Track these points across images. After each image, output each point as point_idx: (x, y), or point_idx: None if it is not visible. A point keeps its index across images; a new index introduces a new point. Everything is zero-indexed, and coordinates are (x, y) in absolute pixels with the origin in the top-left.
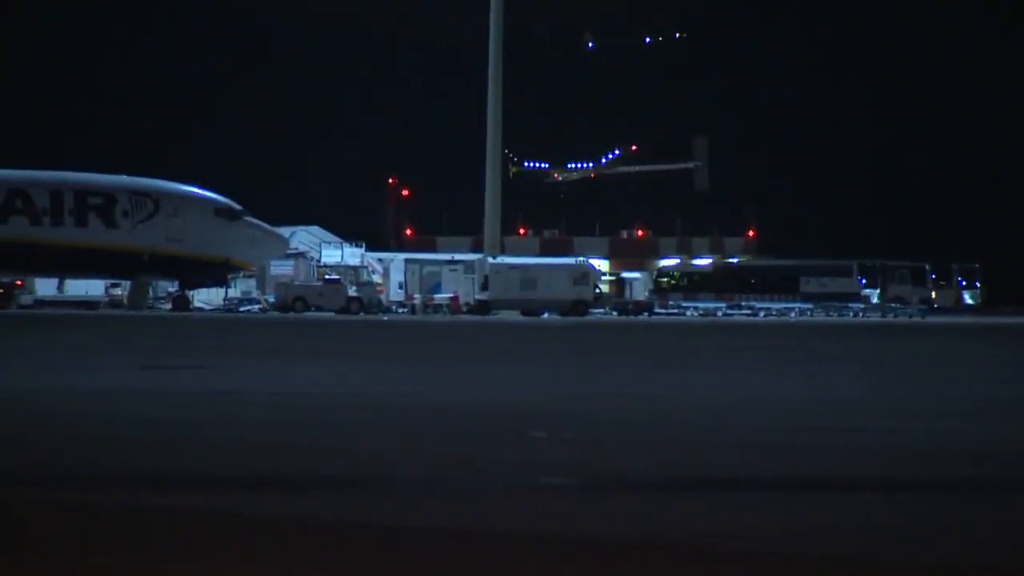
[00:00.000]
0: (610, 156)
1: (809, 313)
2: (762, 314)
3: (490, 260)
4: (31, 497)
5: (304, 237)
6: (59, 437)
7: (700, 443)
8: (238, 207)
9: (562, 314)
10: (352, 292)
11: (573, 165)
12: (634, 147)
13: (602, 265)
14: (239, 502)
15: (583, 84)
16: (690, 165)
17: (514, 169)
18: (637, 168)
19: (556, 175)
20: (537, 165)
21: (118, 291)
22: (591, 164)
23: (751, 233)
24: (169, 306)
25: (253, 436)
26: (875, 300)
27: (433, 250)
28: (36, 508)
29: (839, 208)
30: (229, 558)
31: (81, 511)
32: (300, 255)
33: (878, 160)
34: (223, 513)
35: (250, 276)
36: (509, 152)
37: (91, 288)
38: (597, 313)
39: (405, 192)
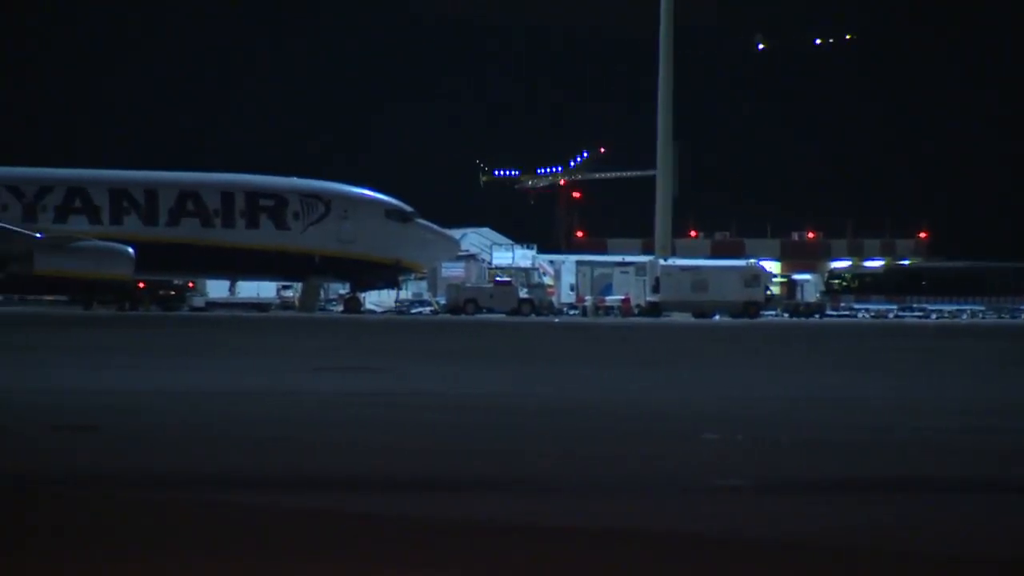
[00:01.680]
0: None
1: (981, 315)
2: (934, 316)
3: (661, 262)
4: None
5: (475, 239)
6: (245, 437)
7: (871, 445)
8: (409, 209)
9: (733, 316)
10: (523, 294)
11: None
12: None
13: (773, 267)
14: (408, 504)
15: (756, 83)
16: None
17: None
18: (603, 175)
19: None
20: (551, 170)
21: (289, 293)
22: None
23: (923, 235)
24: (341, 308)
25: (418, 438)
26: None
27: (604, 252)
28: (252, 510)
29: (1013, 210)
30: (398, 561)
31: (251, 511)
32: (471, 257)
33: None
34: (396, 516)
35: (421, 278)
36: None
37: (262, 290)
38: (768, 315)
39: (576, 194)
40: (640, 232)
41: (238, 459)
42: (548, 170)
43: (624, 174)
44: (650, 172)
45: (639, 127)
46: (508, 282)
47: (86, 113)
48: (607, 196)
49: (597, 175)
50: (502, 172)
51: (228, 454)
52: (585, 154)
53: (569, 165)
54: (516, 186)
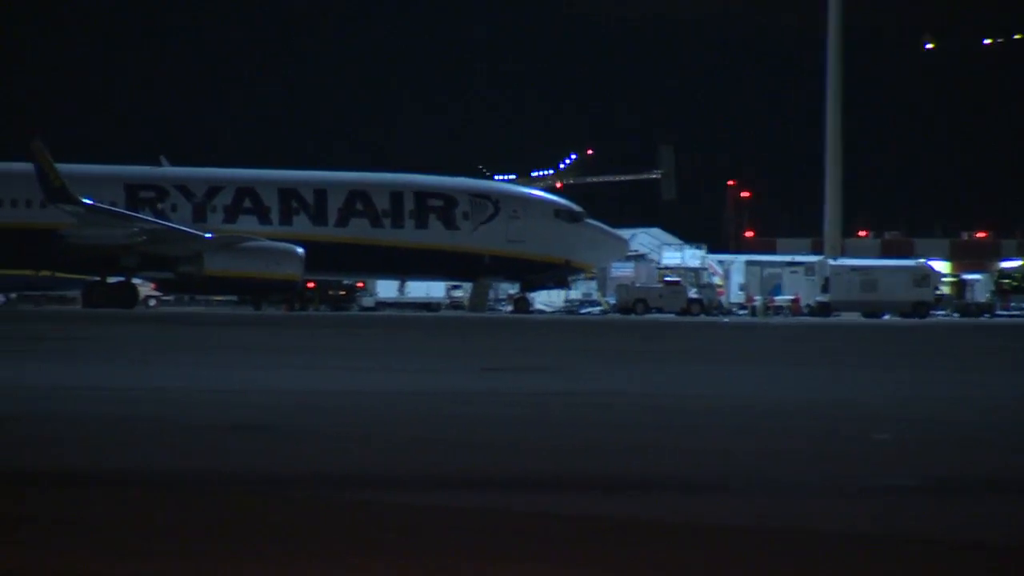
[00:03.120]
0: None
1: None
2: None
3: (831, 262)
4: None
5: (645, 239)
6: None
7: None
8: (578, 208)
9: (902, 316)
10: (693, 294)
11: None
12: None
13: (943, 267)
14: (581, 504)
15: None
16: (655, 175)
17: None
18: (597, 179)
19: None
20: (544, 173)
21: (459, 293)
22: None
23: None
24: (510, 308)
25: (578, 435)
26: None
27: (773, 252)
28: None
29: None
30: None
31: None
32: (641, 257)
33: None
34: (574, 516)
35: (591, 278)
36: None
37: (432, 290)
38: (938, 315)
39: (745, 194)
40: (810, 231)
41: (409, 460)
42: (541, 173)
43: (620, 178)
44: (644, 176)
45: (625, 129)
46: (677, 282)
47: (255, 113)
48: (775, 195)
49: (589, 179)
50: (500, 176)
51: (399, 454)
52: (573, 156)
53: (559, 167)
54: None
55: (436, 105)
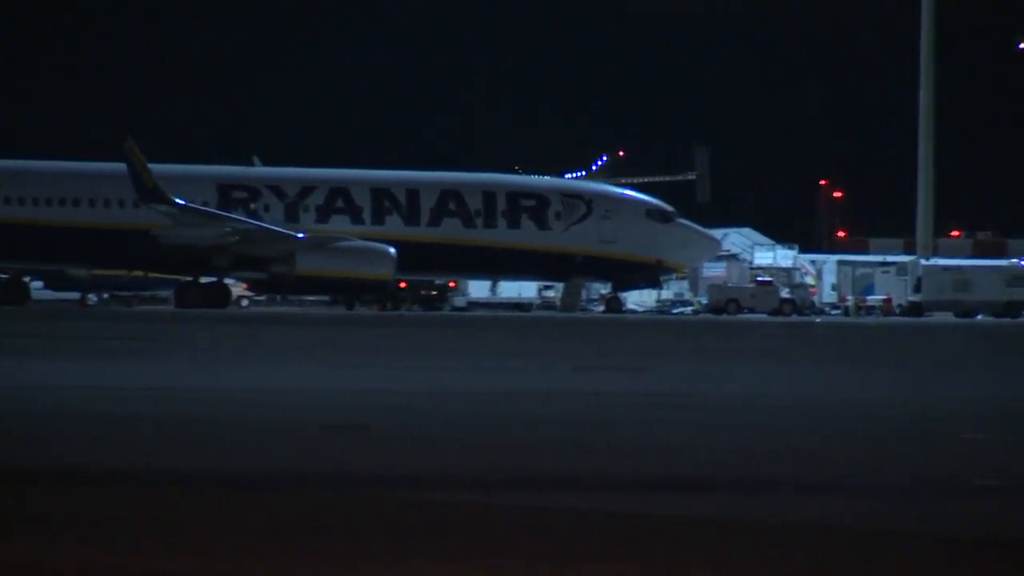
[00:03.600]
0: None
1: None
2: None
3: (923, 262)
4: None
5: (736, 239)
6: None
7: None
8: (670, 208)
9: (994, 316)
10: (785, 294)
11: None
12: None
13: None
14: (689, 503)
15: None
16: (690, 176)
17: None
18: (631, 180)
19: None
20: (577, 175)
21: (550, 293)
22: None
23: None
24: (602, 308)
25: (673, 436)
26: None
27: (865, 252)
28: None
29: None
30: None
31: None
32: (733, 257)
33: None
34: (677, 516)
35: (682, 278)
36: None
37: (524, 290)
38: None
39: (837, 194)
40: (902, 231)
41: (506, 458)
42: (574, 175)
43: (655, 179)
44: (680, 177)
45: (656, 131)
46: (769, 282)
47: (346, 113)
48: (868, 196)
49: (623, 180)
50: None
51: (495, 454)
52: (604, 158)
53: (591, 169)
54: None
55: (466, 105)
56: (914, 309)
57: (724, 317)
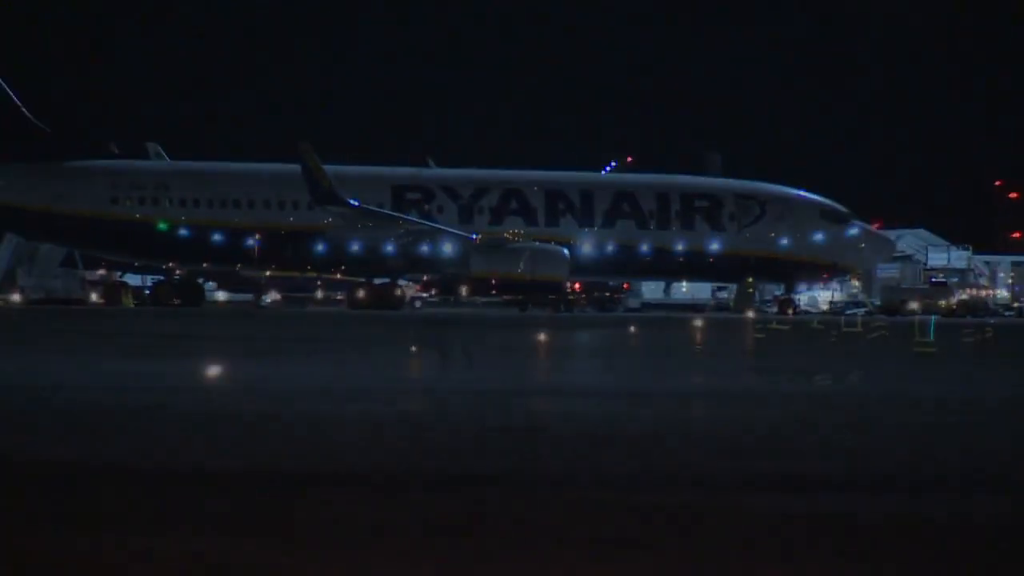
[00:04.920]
0: None
1: None
2: None
3: None
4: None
5: (911, 240)
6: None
7: None
8: (844, 209)
9: None
10: (959, 295)
11: None
12: None
13: None
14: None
15: None
16: None
17: None
18: None
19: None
20: None
21: (724, 294)
22: None
23: None
24: (775, 309)
25: (872, 437)
26: None
27: None
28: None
29: None
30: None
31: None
32: (907, 258)
33: None
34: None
35: (856, 279)
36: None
37: (697, 291)
38: None
39: (1013, 195)
40: None
41: (696, 459)
42: None
43: None
44: None
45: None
46: (944, 283)
47: (524, 113)
48: None
49: None
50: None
51: (681, 454)
52: (614, 163)
53: (602, 172)
54: None
55: (475, 106)
56: None
57: (897, 319)
